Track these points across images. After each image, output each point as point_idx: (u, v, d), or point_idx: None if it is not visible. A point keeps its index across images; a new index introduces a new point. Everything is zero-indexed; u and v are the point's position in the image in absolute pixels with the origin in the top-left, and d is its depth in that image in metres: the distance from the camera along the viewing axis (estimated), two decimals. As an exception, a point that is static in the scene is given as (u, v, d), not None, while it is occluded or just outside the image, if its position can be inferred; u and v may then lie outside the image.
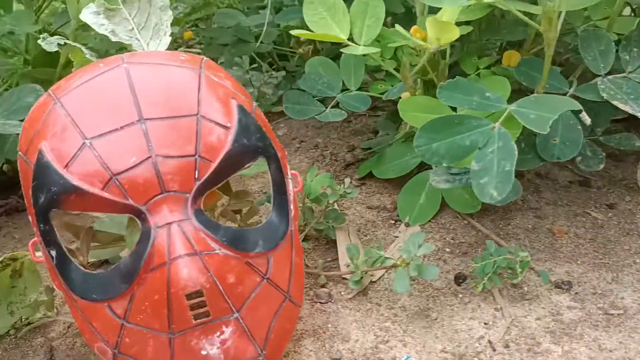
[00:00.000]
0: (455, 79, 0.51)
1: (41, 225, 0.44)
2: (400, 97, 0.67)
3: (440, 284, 0.59)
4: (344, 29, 0.59)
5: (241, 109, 0.47)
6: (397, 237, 0.66)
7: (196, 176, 0.43)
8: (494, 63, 0.68)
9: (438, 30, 0.50)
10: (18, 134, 0.73)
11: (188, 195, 0.43)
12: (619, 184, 0.73)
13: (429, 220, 0.68)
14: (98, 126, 0.43)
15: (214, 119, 0.45)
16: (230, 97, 0.47)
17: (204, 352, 0.44)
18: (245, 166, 0.47)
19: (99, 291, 0.44)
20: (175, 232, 0.42)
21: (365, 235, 0.67)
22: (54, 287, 0.47)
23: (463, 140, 0.49)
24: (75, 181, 0.42)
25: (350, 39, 0.59)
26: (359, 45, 0.58)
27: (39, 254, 0.48)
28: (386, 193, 0.75)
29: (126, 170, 0.42)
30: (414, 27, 0.64)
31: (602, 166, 0.67)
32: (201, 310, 0.43)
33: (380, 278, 0.60)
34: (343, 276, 0.60)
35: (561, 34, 0.55)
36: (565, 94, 0.60)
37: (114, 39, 0.53)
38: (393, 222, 0.69)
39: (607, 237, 0.63)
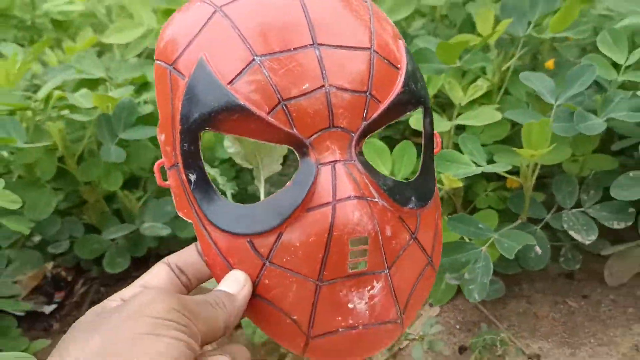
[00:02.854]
0: (459, 215, 0.77)
1: (185, 144, 0.40)
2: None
3: (449, 353, 0.83)
4: (388, 166, 0.84)
5: (408, 51, 0.44)
6: (422, 314, 0.91)
7: (364, 115, 0.40)
8: (500, 187, 0.93)
9: (448, 182, 0.75)
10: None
11: (353, 134, 0.40)
12: (596, 278, 0.95)
13: (447, 302, 0.93)
14: (268, 44, 0.39)
15: (386, 57, 0.42)
16: (398, 38, 0.44)
17: (350, 305, 0.40)
18: (406, 113, 0.43)
19: (242, 224, 0.40)
20: (342, 171, 0.39)
21: (399, 312, 0.92)
22: (180, 215, 0.43)
23: (461, 258, 0.74)
24: (242, 101, 0.38)
25: (392, 173, 0.85)
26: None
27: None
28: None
29: (297, 96, 0.38)
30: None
31: (578, 266, 0.90)
32: (360, 259, 0.39)
33: (406, 346, 0.85)
34: (381, 343, 0.86)
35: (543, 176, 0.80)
36: (542, 220, 0.84)
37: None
38: (420, 302, 0.94)
39: (575, 322, 0.86)
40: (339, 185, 0.38)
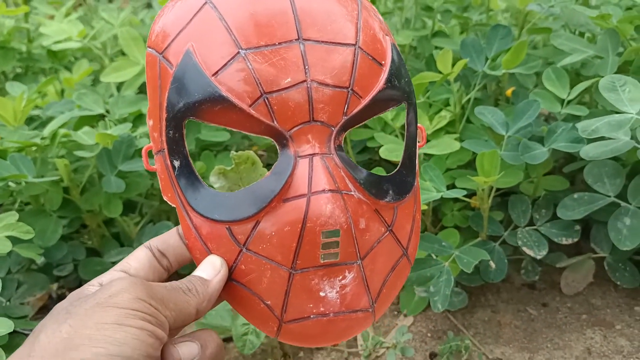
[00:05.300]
0: (425, 234, 0.86)
1: (170, 132, 0.42)
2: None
3: (420, 359, 0.92)
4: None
5: (394, 48, 0.45)
6: (397, 324, 1.00)
7: (345, 110, 0.41)
8: (464, 206, 1.02)
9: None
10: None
11: (333, 128, 0.41)
12: (555, 288, 1.04)
13: (420, 312, 1.02)
14: (254, 37, 0.40)
15: (370, 53, 0.43)
16: (385, 34, 0.46)
17: (322, 294, 0.42)
18: (389, 109, 0.45)
19: (222, 211, 0.42)
20: (319, 165, 0.40)
21: (377, 322, 1.01)
22: (165, 199, 0.45)
23: (426, 272, 0.83)
24: (224, 92, 0.39)
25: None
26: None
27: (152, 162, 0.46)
28: (393, 291, 1.09)
29: (279, 90, 0.40)
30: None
31: (537, 277, 1.00)
32: (332, 250, 0.41)
33: (383, 354, 0.94)
34: (360, 352, 0.94)
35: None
36: (500, 237, 0.93)
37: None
38: (396, 312, 1.03)
39: (534, 328, 0.95)
40: (315, 178, 0.40)
